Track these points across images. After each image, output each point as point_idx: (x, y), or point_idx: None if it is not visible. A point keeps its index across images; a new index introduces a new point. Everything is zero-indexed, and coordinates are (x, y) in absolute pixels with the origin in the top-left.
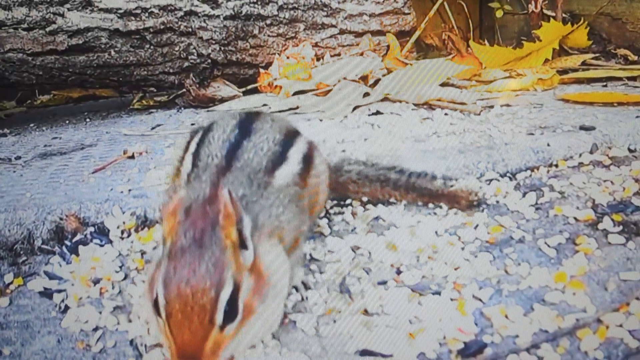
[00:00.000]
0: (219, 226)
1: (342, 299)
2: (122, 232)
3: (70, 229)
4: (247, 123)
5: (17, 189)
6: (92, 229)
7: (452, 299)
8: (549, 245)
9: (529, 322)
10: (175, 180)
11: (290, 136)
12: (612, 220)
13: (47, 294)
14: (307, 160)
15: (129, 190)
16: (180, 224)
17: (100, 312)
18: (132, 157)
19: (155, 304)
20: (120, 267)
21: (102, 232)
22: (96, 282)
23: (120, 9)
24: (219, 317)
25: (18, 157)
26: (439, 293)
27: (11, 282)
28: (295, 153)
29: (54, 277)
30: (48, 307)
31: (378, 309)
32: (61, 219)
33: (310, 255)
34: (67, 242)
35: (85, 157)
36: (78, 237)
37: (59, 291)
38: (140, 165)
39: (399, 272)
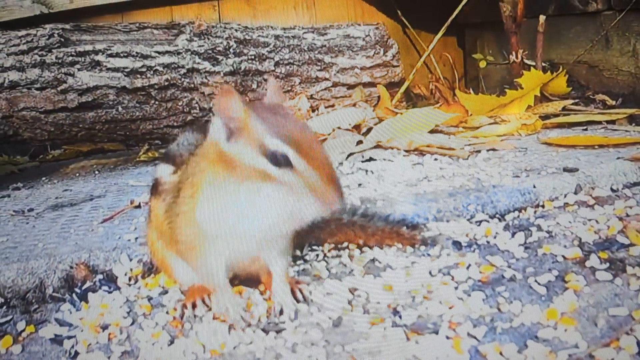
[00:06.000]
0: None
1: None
2: (130, 279)
3: (80, 277)
4: (200, 128)
5: (30, 239)
6: (100, 276)
7: (447, 337)
8: (539, 283)
9: (523, 358)
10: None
11: None
12: (599, 257)
13: (57, 340)
14: None
15: (136, 238)
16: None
17: (109, 358)
18: (139, 206)
19: (275, 159)
20: (128, 312)
21: (110, 279)
22: (105, 327)
23: (127, 67)
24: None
25: (31, 209)
26: (436, 332)
27: (23, 330)
28: None
29: (64, 324)
30: (58, 354)
31: (376, 349)
32: (71, 267)
33: (310, 298)
34: (77, 290)
35: (94, 208)
36: (87, 284)
37: (69, 337)
38: (146, 214)
39: (395, 312)
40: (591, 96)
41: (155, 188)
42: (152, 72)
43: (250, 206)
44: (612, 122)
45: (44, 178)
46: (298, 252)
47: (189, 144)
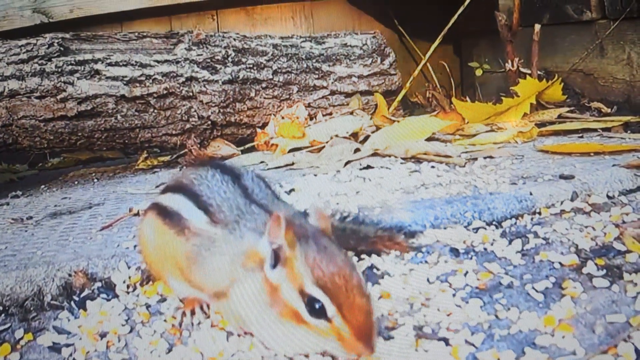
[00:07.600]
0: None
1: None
2: (128, 287)
3: (79, 284)
4: (225, 170)
5: (29, 247)
6: (99, 284)
7: (446, 344)
8: (536, 290)
9: None
10: (181, 234)
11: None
12: (596, 264)
13: (56, 348)
14: None
15: (135, 246)
16: (298, 239)
17: None
18: (138, 214)
19: (312, 307)
20: (126, 320)
21: (108, 287)
22: (103, 335)
23: (126, 76)
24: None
25: (30, 217)
26: (437, 339)
27: (21, 338)
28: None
29: (63, 332)
30: None
31: (375, 357)
32: (70, 275)
33: None
34: (76, 298)
35: (93, 216)
36: (86, 292)
37: (68, 345)
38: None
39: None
40: (586, 104)
41: (178, 220)
42: (151, 80)
43: (274, 333)
44: (608, 129)
45: (43, 186)
46: None
47: (225, 195)
